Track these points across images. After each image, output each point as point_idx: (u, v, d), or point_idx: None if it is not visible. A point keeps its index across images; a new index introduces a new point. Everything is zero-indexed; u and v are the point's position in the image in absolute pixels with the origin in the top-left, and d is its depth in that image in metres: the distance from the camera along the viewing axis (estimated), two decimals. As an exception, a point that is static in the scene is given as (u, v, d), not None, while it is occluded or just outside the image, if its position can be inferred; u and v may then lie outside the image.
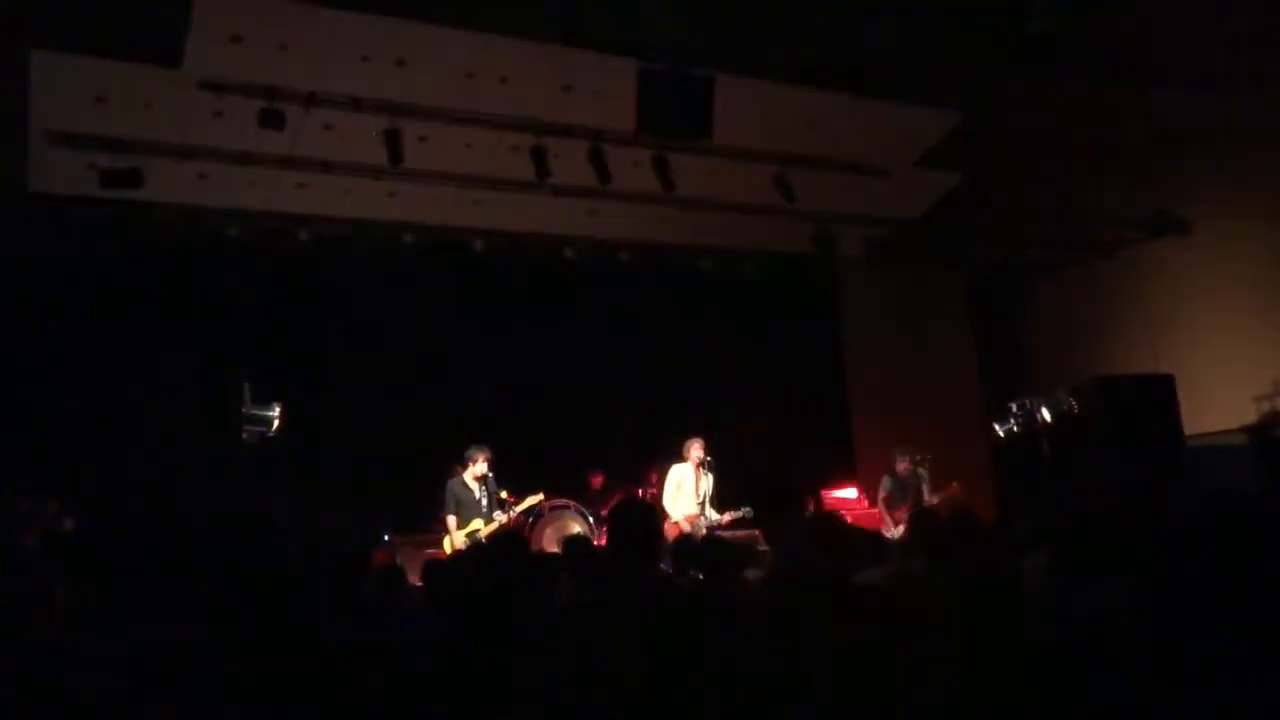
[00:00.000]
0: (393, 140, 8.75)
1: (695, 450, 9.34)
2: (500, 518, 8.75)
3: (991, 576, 3.42)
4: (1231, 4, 8.56)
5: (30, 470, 8.55)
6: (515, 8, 7.89)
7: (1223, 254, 10.58)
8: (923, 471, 10.37)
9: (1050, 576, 3.74)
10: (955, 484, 10.30)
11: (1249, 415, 9.97)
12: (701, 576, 5.03)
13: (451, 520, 8.67)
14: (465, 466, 8.83)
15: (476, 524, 8.67)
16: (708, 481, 9.33)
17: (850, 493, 11.37)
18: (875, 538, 5.44)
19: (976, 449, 12.48)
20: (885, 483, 10.45)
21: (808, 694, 2.86)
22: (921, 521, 5.61)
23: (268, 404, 8.87)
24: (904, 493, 10.30)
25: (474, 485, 8.79)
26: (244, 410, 8.76)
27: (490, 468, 8.83)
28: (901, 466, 10.42)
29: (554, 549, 8.94)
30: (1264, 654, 2.77)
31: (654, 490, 9.83)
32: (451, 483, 8.85)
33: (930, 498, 10.16)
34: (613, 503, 9.42)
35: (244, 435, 8.80)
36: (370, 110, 8.76)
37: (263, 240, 10.37)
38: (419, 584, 5.22)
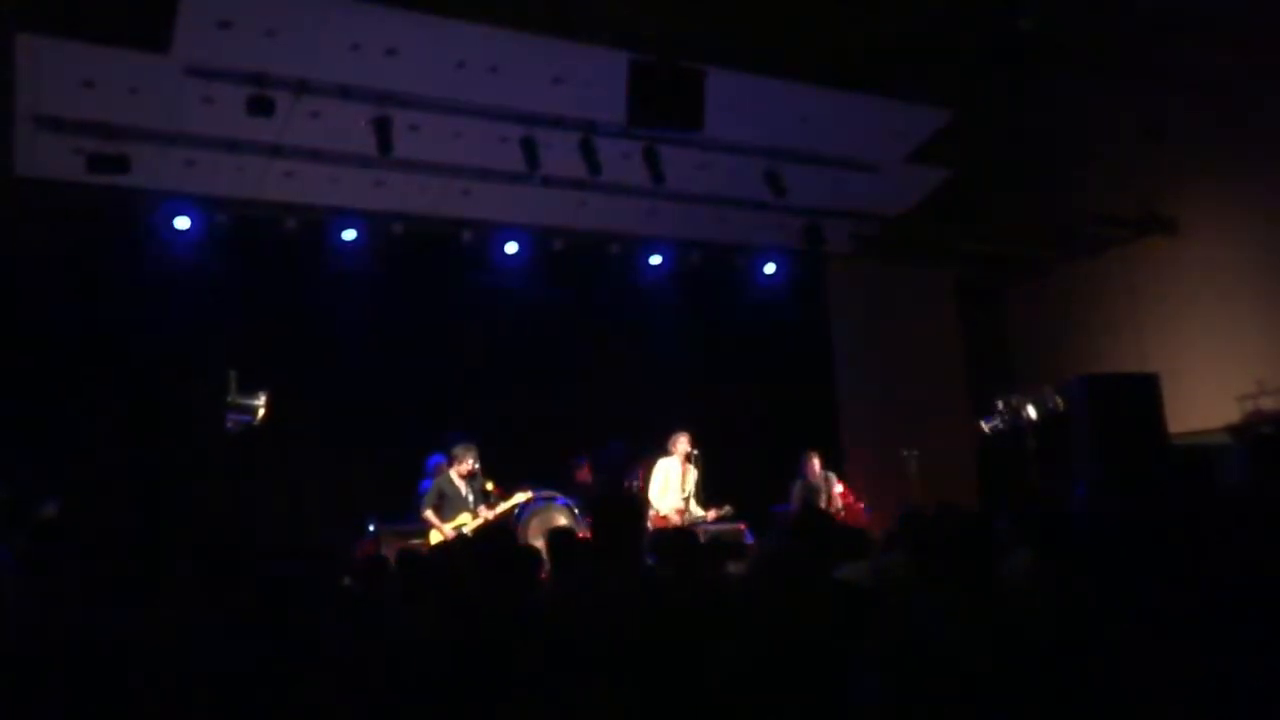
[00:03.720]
0: (382, 129, 8.71)
1: (682, 444, 9.36)
2: (486, 513, 8.74)
3: (975, 573, 3.43)
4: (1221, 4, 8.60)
5: (12, 456, 8.50)
6: (506, -2, 7.89)
7: (1209, 253, 10.63)
8: (833, 476, 10.25)
9: (1033, 574, 3.76)
10: (859, 501, 10.21)
11: (1233, 414, 10.02)
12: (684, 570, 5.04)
13: (430, 515, 8.66)
14: (452, 464, 8.82)
15: (463, 519, 8.67)
16: (693, 476, 9.34)
17: (836, 488, 11.37)
18: (858, 533, 5.44)
19: (962, 445, 12.52)
20: (797, 486, 10.16)
21: (794, 687, 2.86)
22: (908, 519, 5.62)
23: (253, 393, 8.83)
24: (813, 498, 10.06)
25: (460, 483, 8.78)
26: (229, 399, 8.72)
27: (477, 465, 8.82)
28: (813, 472, 10.16)
29: (539, 542, 8.93)
30: (1249, 650, 2.78)
31: (640, 483, 9.83)
32: (438, 479, 8.84)
33: (837, 506, 9.98)
34: (596, 494, 9.46)
35: (229, 424, 8.75)
36: (359, 98, 8.71)
37: (249, 228, 10.33)
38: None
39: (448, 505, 8.72)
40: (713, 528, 9.06)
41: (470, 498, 8.78)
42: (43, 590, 3.57)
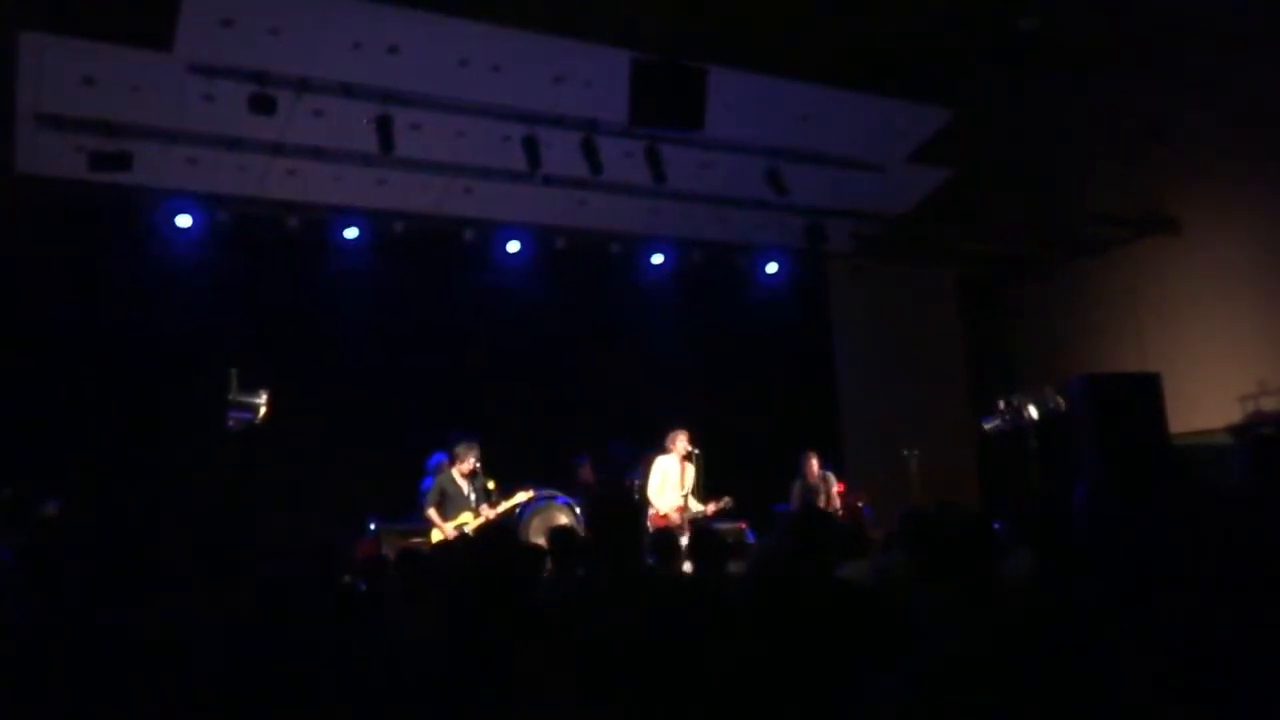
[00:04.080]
0: (384, 127, 8.72)
1: (680, 442, 9.34)
2: (488, 512, 8.74)
3: (975, 573, 3.43)
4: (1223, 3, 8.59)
5: (12, 455, 8.50)
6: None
7: (1210, 253, 10.62)
8: (831, 476, 10.21)
9: (1033, 574, 3.76)
10: (859, 501, 10.23)
11: (1234, 415, 10.02)
12: (687, 568, 5.04)
13: (433, 513, 8.66)
14: (453, 463, 8.82)
15: (465, 518, 8.67)
16: (691, 474, 9.33)
17: (834, 488, 11.36)
18: (858, 532, 5.44)
19: (963, 445, 12.52)
20: (796, 486, 10.17)
21: (794, 687, 2.86)
22: (909, 518, 5.62)
23: (255, 391, 8.82)
24: (811, 498, 10.06)
25: (462, 481, 8.77)
26: (231, 397, 8.71)
27: (478, 463, 8.82)
28: (812, 472, 10.13)
29: (540, 540, 8.92)
30: (1250, 651, 2.77)
31: (640, 481, 9.82)
32: (440, 477, 8.84)
33: (835, 506, 9.93)
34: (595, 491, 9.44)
35: (230, 422, 8.75)
36: (362, 97, 8.73)
37: (251, 226, 10.33)
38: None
39: (449, 504, 8.71)
40: (713, 525, 9.04)
41: (472, 496, 8.77)
42: (44, 590, 3.57)
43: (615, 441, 10.37)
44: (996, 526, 4.16)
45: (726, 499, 9.34)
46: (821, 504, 9.88)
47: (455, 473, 8.78)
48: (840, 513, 9.79)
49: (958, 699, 2.61)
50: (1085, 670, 2.82)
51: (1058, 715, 2.69)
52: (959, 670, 2.73)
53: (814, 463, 10.16)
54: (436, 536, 8.67)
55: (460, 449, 8.78)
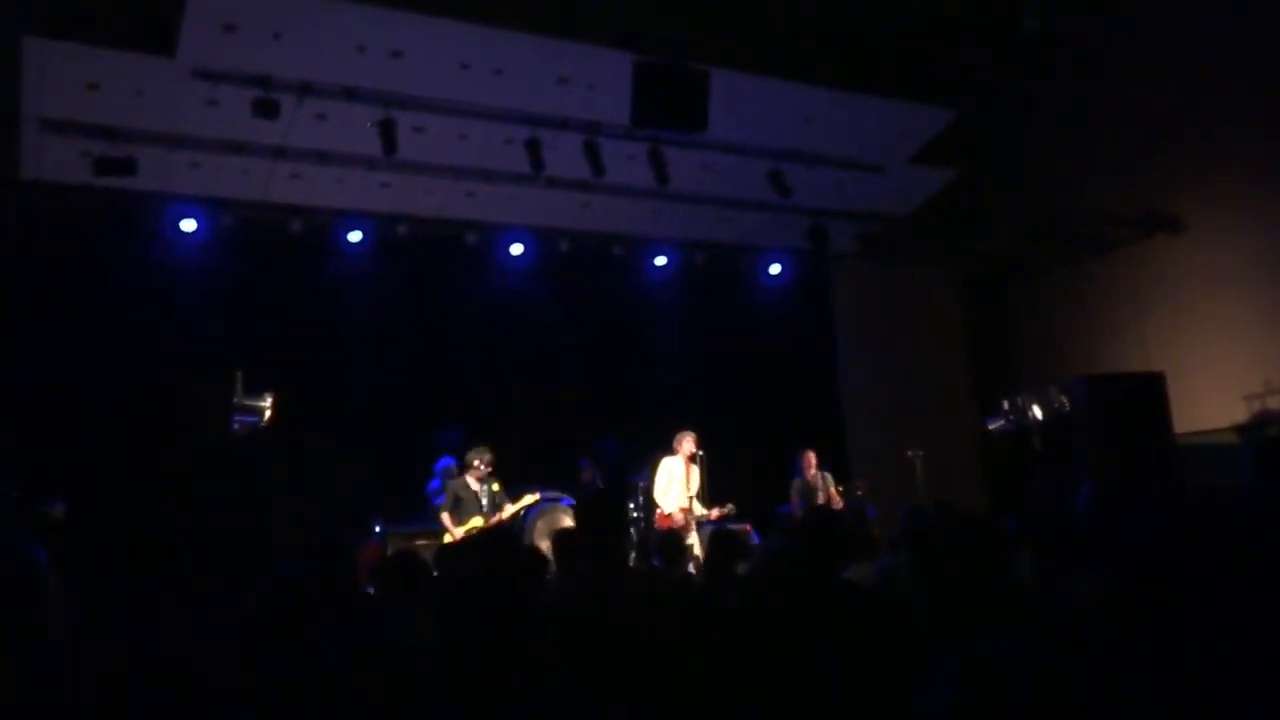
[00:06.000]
0: (387, 131, 8.73)
1: (687, 443, 9.36)
2: (503, 513, 8.80)
3: (977, 573, 3.43)
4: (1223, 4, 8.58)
5: (18, 457, 8.52)
6: (511, -1, 7.91)
7: (1214, 253, 10.60)
8: (829, 476, 10.21)
9: (1035, 574, 3.76)
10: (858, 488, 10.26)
11: (1239, 414, 10.00)
12: (692, 569, 5.04)
13: (446, 517, 8.69)
14: (465, 468, 8.85)
15: (476, 522, 8.70)
16: (697, 475, 9.35)
17: (832, 487, 11.35)
18: (864, 533, 5.44)
19: (967, 446, 12.51)
20: (796, 484, 10.17)
21: (791, 688, 2.86)
22: (913, 517, 5.62)
23: (260, 394, 8.83)
24: (810, 496, 10.07)
25: (475, 485, 8.82)
26: (235, 401, 8.72)
27: (490, 467, 8.85)
28: (810, 469, 10.13)
29: (545, 543, 8.94)
30: (1254, 653, 2.76)
31: (645, 482, 9.84)
32: (453, 483, 8.88)
33: (835, 505, 9.92)
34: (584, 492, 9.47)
35: (235, 426, 8.76)
36: (364, 100, 8.74)
37: (255, 230, 10.34)
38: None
39: (462, 508, 8.77)
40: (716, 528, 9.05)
41: (484, 500, 8.82)
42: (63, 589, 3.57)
43: (606, 440, 10.40)
44: (1005, 529, 4.16)
45: (729, 506, 9.37)
46: (820, 501, 9.89)
47: (468, 477, 8.84)
48: (841, 508, 9.78)
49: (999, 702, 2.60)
50: (1085, 671, 2.81)
51: (1059, 716, 2.69)
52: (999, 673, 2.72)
53: (811, 459, 10.17)
54: (448, 540, 8.69)
55: (471, 453, 8.84)
